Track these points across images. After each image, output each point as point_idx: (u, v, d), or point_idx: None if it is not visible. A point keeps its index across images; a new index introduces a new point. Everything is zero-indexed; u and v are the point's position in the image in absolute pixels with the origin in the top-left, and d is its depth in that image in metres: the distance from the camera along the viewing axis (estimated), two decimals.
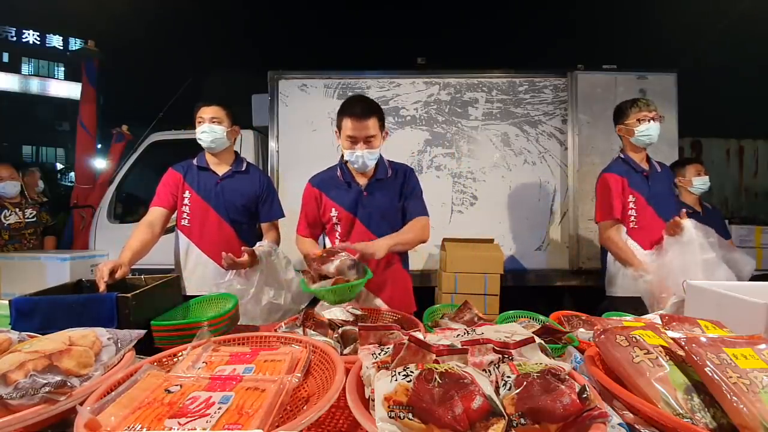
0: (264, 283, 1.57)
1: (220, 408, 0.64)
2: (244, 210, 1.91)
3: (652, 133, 1.88)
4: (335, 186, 1.65)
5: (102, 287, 1.28)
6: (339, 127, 1.56)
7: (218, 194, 1.88)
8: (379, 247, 1.39)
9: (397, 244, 1.50)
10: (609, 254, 2.02)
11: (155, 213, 1.82)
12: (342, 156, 1.65)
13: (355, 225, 1.63)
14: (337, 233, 1.66)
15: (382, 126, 1.57)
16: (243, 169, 1.96)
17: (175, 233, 1.93)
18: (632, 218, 1.91)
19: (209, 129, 1.83)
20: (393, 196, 1.64)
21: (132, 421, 0.62)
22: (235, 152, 2.01)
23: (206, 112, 1.85)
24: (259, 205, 1.95)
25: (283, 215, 2.01)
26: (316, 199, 1.67)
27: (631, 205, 1.91)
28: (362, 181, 1.63)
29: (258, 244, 1.71)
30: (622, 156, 2.01)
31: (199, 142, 1.87)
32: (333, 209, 1.64)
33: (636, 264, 1.85)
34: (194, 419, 0.62)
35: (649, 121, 1.86)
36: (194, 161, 1.94)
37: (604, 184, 1.99)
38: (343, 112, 1.53)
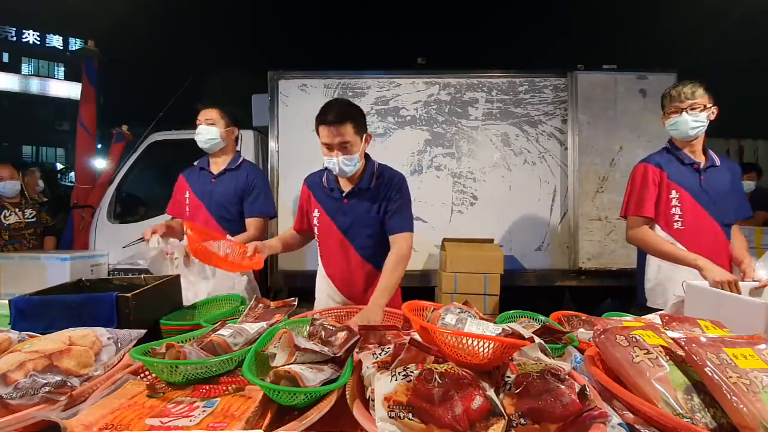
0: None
1: (204, 411, 0.62)
2: (231, 207, 1.93)
3: (681, 127, 1.65)
4: (321, 189, 1.64)
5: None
6: (317, 133, 1.50)
7: (210, 193, 1.94)
8: (375, 313, 1.31)
9: (390, 294, 1.43)
10: (648, 257, 1.74)
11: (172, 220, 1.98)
12: None
13: (333, 231, 1.60)
14: (316, 236, 1.67)
15: (360, 131, 1.49)
16: (235, 166, 1.98)
17: None
18: (676, 217, 1.64)
19: (203, 130, 1.92)
20: (375, 206, 1.57)
21: (111, 419, 0.60)
22: (237, 152, 2.06)
23: (202, 114, 1.94)
24: (244, 201, 1.95)
25: (269, 212, 1.99)
26: (306, 198, 1.68)
27: (675, 201, 1.65)
28: (345, 188, 1.58)
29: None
30: (668, 145, 1.78)
31: (197, 143, 1.95)
32: (316, 210, 1.64)
33: (690, 258, 1.51)
34: (177, 419, 0.61)
35: (681, 113, 1.64)
36: (197, 162, 2.05)
37: (637, 175, 1.75)
38: (317, 119, 1.47)
